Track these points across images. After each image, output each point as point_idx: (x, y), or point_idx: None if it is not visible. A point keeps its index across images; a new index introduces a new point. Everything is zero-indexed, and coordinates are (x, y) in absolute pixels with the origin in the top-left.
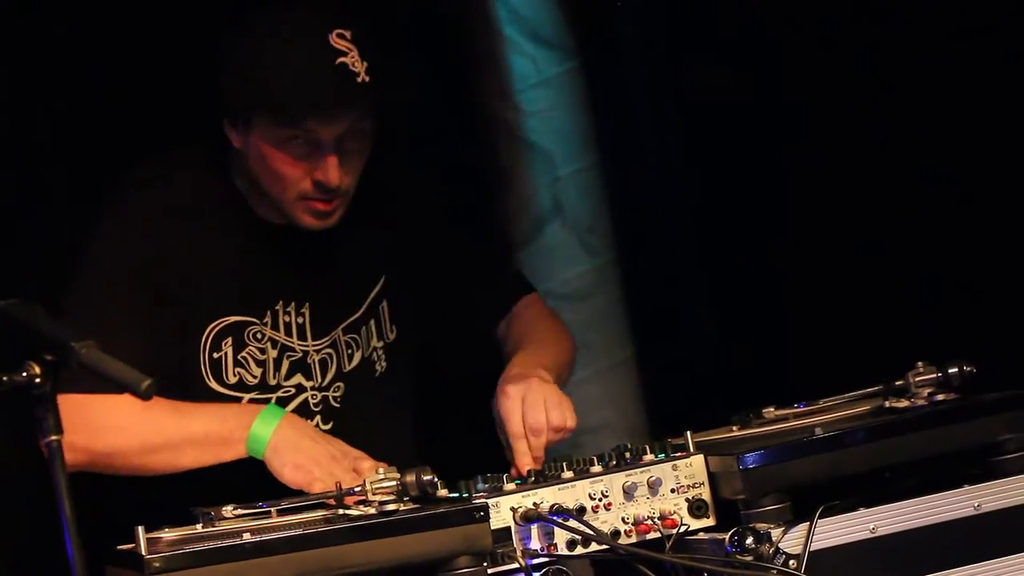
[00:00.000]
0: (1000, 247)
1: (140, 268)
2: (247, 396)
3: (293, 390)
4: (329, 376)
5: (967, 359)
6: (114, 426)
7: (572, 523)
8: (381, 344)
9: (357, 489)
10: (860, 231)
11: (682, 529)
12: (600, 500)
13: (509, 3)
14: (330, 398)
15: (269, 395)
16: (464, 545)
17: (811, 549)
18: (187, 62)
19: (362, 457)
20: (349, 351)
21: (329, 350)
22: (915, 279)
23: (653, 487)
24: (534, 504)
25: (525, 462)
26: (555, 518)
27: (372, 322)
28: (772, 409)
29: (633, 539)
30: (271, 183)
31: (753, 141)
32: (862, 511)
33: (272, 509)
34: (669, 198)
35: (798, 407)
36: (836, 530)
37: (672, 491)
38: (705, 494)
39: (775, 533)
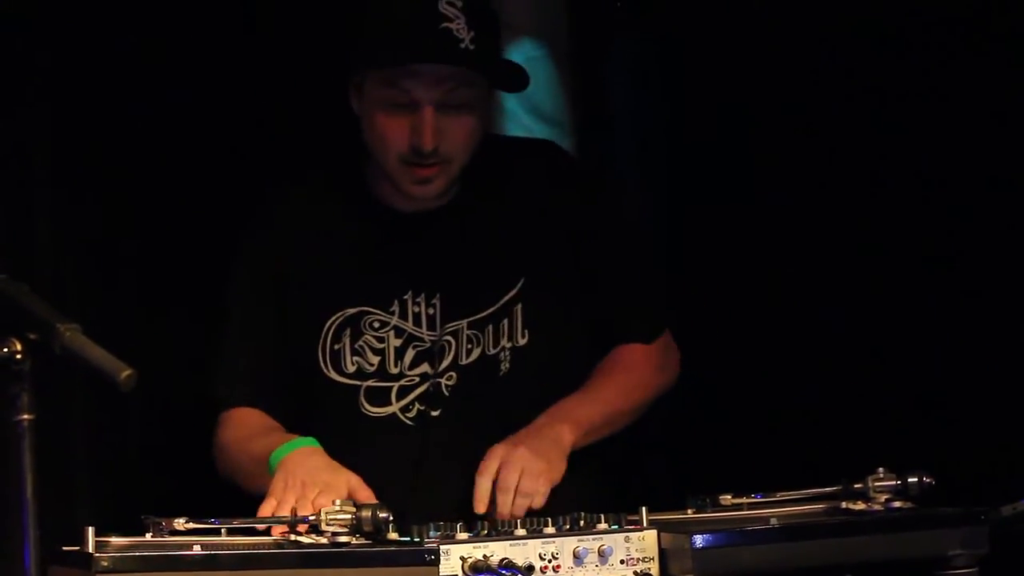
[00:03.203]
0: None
1: (264, 291)
2: (366, 383)
3: (417, 379)
4: (444, 364)
5: (927, 470)
6: (220, 445)
7: None
8: (510, 345)
9: (311, 518)
10: (850, 329)
11: None
12: (550, 561)
13: None
14: (442, 385)
15: (389, 383)
16: None
17: None
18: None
19: (329, 491)
20: (469, 345)
21: (449, 338)
22: (890, 386)
23: (603, 555)
24: (484, 556)
25: (480, 503)
26: (504, 572)
27: (504, 322)
28: (729, 496)
29: None
30: (377, 147)
31: (743, 232)
32: None
33: (223, 527)
34: None
35: (755, 497)
36: None
37: (622, 562)
38: (654, 569)
39: None
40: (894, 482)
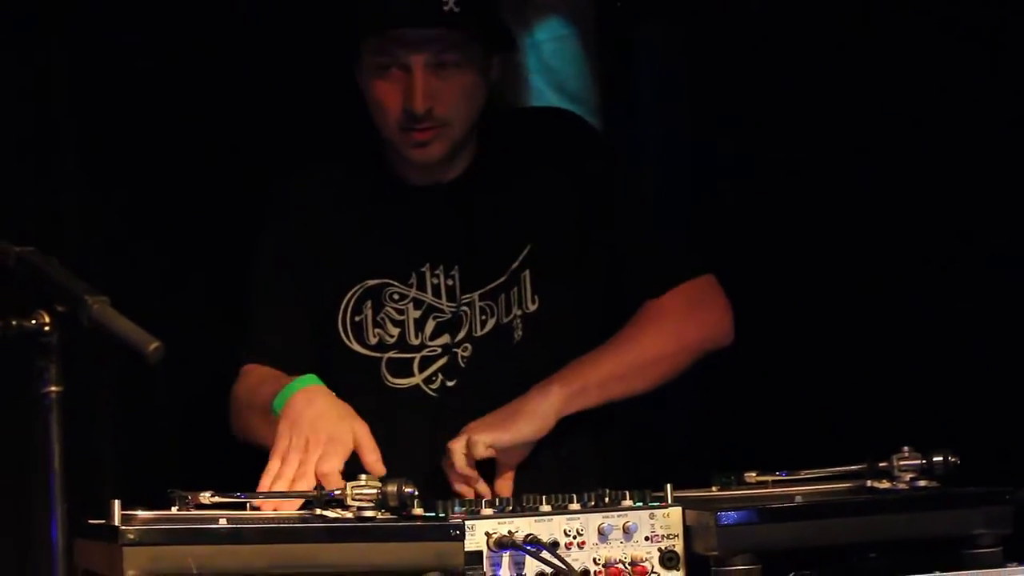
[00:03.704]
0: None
1: (287, 265)
2: (387, 355)
3: (440, 349)
4: (460, 335)
5: (953, 449)
6: (232, 398)
7: (545, 555)
8: (520, 313)
9: (336, 492)
10: (877, 307)
11: None
12: (575, 538)
13: (540, 52)
14: (458, 356)
15: (411, 354)
16: (436, 560)
17: None
18: None
19: (333, 452)
20: (483, 317)
21: (466, 308)
22: (916, 365)
23: (628, 532)
24: (509, 532)
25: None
26: (529, 547)
27: (515, 290)
28: (754, 474)
29: None
30: (376, 116)
31: (766, 211)
32: None
33: (249, 501)
34: None
35: (780, 475)
36: None
37: (646, 539)
38: (678, 546)
39: None
40: (919, 461)
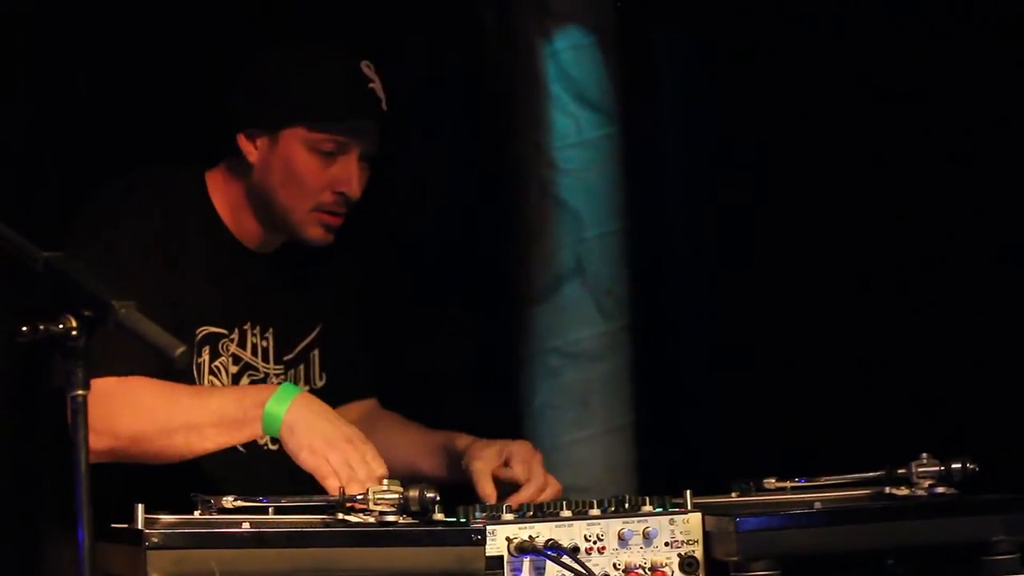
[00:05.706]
0: None
1: (152, 265)
2: None
3: None
4: None
5: (971, 456)
6: (135, 408)
7: (565, 560)
8: (307, 388)
9: (359, 497)
10: (896, 315)
11: None
12: (595, 543)
13: (559, 61)
14: None
15: None
16: (457, 565)
17: None
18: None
19: (373, 453)
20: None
21: (284, 376)
22: (936, 373)
23: (648, 537)
24: (530, 537)
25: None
26: (549, 552)
27: (302, 366)
28: (773, 480)
29: None
30: (289, 193)
31: (779, 227)
32: None
33: (271, 505)
34: (690, 274)
35: (799, 481)
36: None
37: (666, 544)
38: (698, 552)
39: None
40: (938, 468)
